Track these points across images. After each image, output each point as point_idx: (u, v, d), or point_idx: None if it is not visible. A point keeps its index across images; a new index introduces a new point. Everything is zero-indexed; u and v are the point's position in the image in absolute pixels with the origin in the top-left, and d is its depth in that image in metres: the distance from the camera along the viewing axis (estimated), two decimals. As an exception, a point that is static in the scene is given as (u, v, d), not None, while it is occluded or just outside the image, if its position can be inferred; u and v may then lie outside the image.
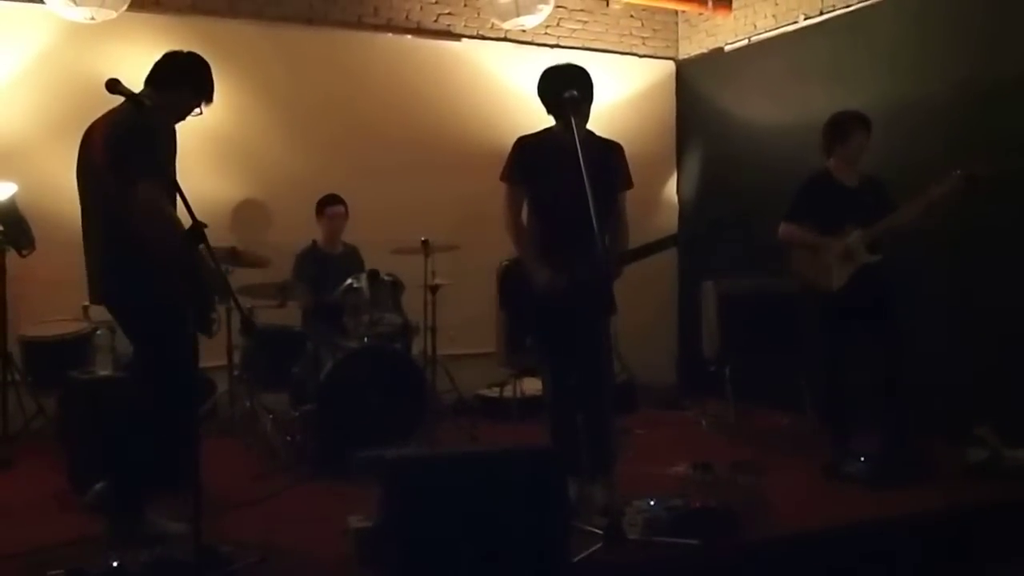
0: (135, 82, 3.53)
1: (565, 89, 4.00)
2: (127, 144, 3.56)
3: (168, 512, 3.79)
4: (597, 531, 3.65)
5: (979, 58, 5.64)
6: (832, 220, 4.92)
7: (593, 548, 3.56)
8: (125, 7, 5.58)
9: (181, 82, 3.85)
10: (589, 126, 4.19)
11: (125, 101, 3.49)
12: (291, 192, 6.63)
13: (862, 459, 4.79)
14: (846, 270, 4.89)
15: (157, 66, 3.86)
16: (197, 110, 3.90)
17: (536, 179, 4.19)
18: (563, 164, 3.86)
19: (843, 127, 4.97)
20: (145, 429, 3.69)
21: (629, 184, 4.30)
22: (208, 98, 3.91)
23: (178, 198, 3.27)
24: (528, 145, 4.26)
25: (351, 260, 6.14)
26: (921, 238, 5.02)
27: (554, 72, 4.18)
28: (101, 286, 3.76)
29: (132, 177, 3.49)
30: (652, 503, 3.82)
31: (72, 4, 5.36)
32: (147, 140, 3.55)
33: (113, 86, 3.34)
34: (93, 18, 5.53)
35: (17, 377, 5.66)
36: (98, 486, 4.11)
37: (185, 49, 3.94)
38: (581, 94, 4.01)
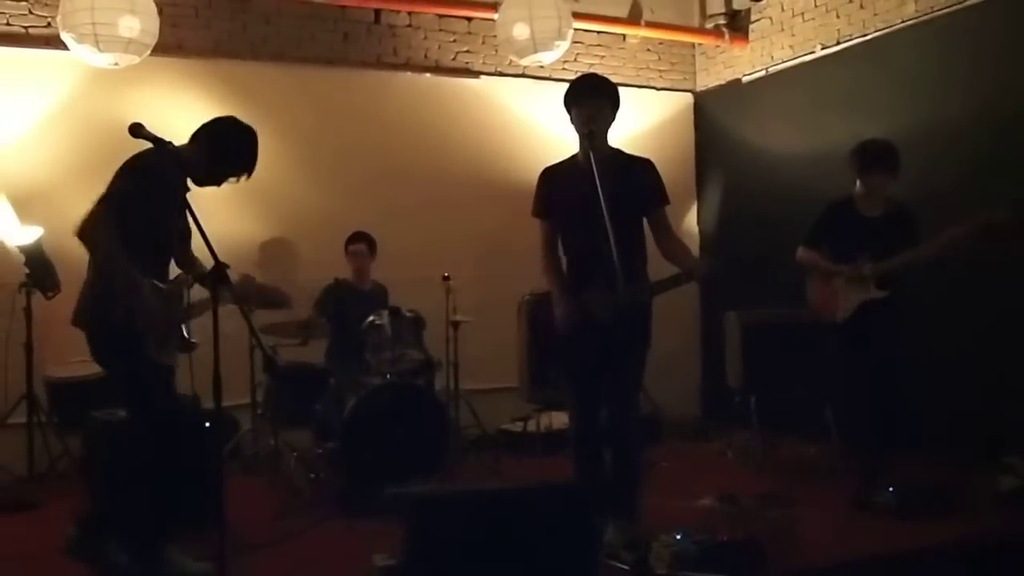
0: (159, 126, 3.57)
1: (576, 105, 4.03)
2: (122, 180, 3.64)
3: (193, 552, 3.79)
4: (624, 567, 3.63)
5: (998, 85, 5.64)
6: (847, 249, 4.90)
7: (620, 584, 3.53)
8: (148, 52, 5.66)
9: (214, 142, 3.89)
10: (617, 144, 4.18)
11: (151, 147, 3.55)
12: (315, 230, 6.68)
13: (890, 489, 4.73)
14: (852, 302, 4.87)
15: (206, 123, 3.92)
16: (234, 178, 3.94)
17: (561, 209, 4.16)
18: (585, 191, 3.85)
19: (864, 162, 4.94)
20: (150, 468, 3.70)
21: (665, 200, 4.16)
22: (247, 171, 3.94)
23: (203, 237, 3.30)
24: (551, 175, 4.24)
25: (377, 298, 6.17)
26: (946, 265, 4.98)
27: (570, 88, 4.14)
28: (79, 308, 3.81)
29: (103, 208, 3.56)
30: (679, 537, 3.77)
31: (96, 50, 5.44)
32: (144, 184, 3.61)
33: (136, 130, 3.39)
34: (117, 63, 5.61)
35: (43, 418, 5.69)
36: (71, 530, 4.03)
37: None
38: (594, 105, 4.01)
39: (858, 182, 4.96)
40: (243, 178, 3.95)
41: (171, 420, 3.73)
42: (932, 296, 5.02)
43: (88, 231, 3.57)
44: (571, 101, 4.09)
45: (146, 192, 3.61)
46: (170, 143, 3.62)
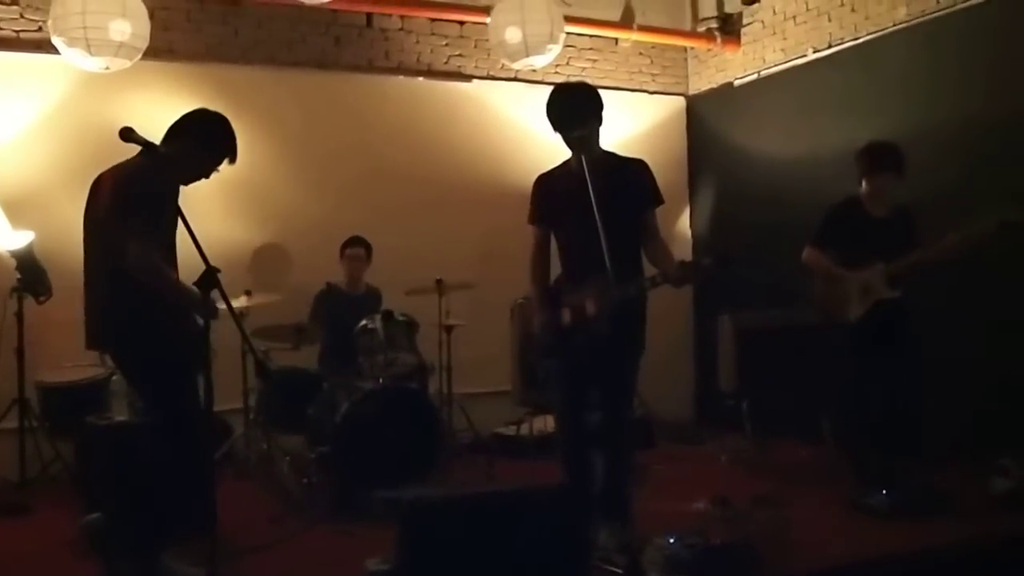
0: (149, 130, 3.57)
1: (560, 122, 4.01)
2: (132, 199, 3.61)
3: (185, 557, 3.78)
4: (617, 570, 3.62)
5: (989, 88, 5.66)
6: (855, 250, 4.90)
7: (613, 587, 3.53)
8: (139, 56, 5.65)
9: (192, 136, 3.86)
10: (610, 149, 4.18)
11: (138, 153, 3.54)
12: (308, 234, 6.67)
13: (884, 491, 4.74)
14: (864, 303, 4.87)
15: (177, 121, 3.90)
16: (217, 169, 3.93)
17: (556, 216, 4.17)
18: (578, 196, 3.84)
19: (870, 162, 4.95)
20: (160, 474, 3.69)
21: (659, 200, 4.15)
22: (229, 156, 3.93)
23: (184, 241, 3.30)
24: (545, 182, 4.24)
25: (370, 302, 6.17)
26: (942, 267, 4.99)
27: (550, 102, 4.08)
28: (102, 331, 3.79)
29: (129, 233, 3.53)
30: (672, 540, 3.77)
31: (87, 54, 5.42)
32: (150, 197, 3.60)
33: (127, 135, 3.38)
34: (108, 68, 5.59)
35: (35, 423, 5.67)
36: (92, 516, 4.06)
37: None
38: (579, 130, 3.99)
39: (864, 183, 4.96)
40: (225, 164, 3.93)
41: (195, 427, 3.71)
42: (926, 293, 5.00)
43: (140, 267, 3.54)
44: (557, 124, 4.03)
45: (156, 202, 3.60)
46: (160, 147, 3.61)
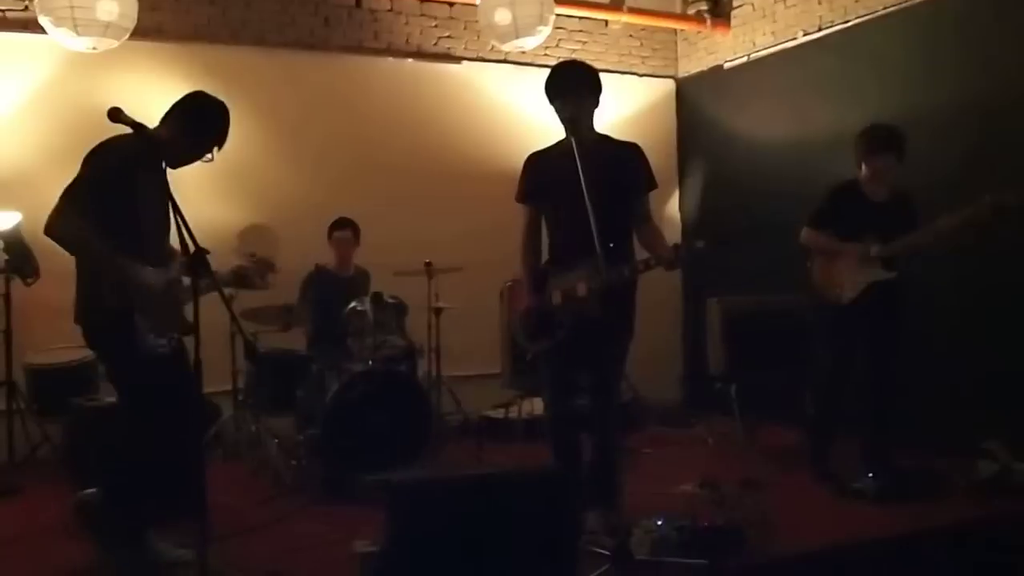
0: (137, 110, 3.54)
1: (557, 95, 4.02)
2: (86, 169, 3.61)
3: (174, 538, 3.78)
4: (605, 552, 3.64)
5: (982, 71, 5.64)
6: (853, 232, 4.90)
7: (601, 569, 3.55)
8: (127, 36, 5.60)
9: (186, 119, 3.85)
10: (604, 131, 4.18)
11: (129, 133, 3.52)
12: (295, 216, 6.64)
13: (870, 475, 4.77)
14: (860, 283, 4.87)
15: (177, 102, 3.88)
16: (209, 155, 3.91)
17: (546, 195, 4.16)
18: (570, 177, 3.82)
19: (870, 144, 4.95)
20: (144, 455, 3.68)
21: (652, 184, 4.17)
22: (219, 142, 3.91)
23: (178, 223, 3.28)
24: (537, 162, 4.23)
25: (360, 284, 6.16)
26: (936, 253, 5.01)
27: (549, 81, 4.11)
28: (75, 306, 3.78)
29: (61, 200, 3.52)
30: (660, 523, 3.80)
31: (74, 34, 5.38)
32: (106, 171, 3.57)
33: (115, 115, 3.35)
34: (95, 48, 5.55)
35: (23, 405, 5.67)
36: (87, 491, 4.06)
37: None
38: (575, 102, 4.00)
39: (864, 166, 4.96)
40: (215, 151, 3.91)
41: (167, 407, 3.69)
42: (913, 277, 5.01)
43: (54, 226, 3.52)
44: (553, 94, 4.07)
45: (113, 178, 3.57)
46: (148, 128, 3.59)
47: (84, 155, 3.67)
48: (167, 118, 3.83)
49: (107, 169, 3.58)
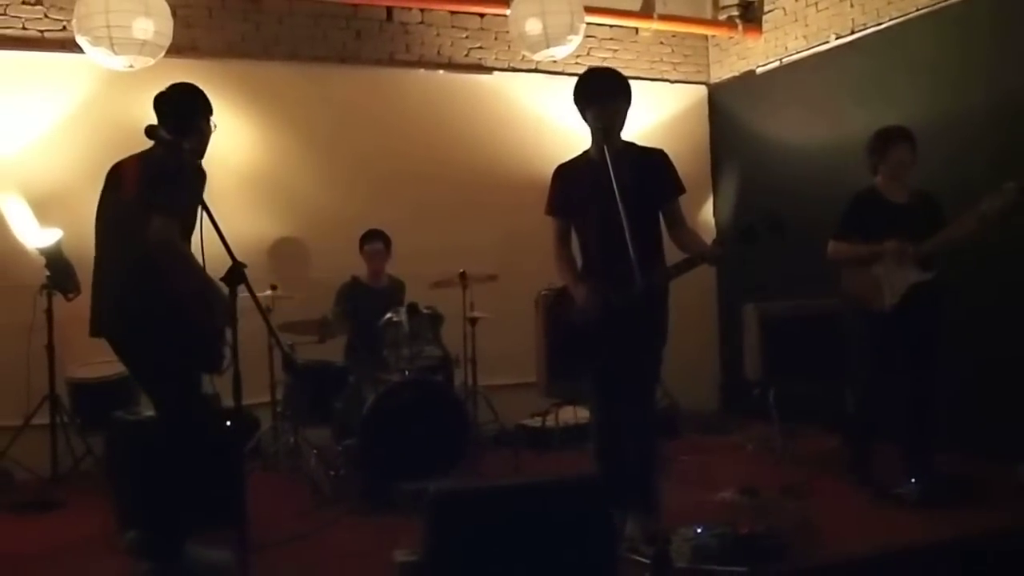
0: (174, 127, 3.60)
1: (588, 103, 4.00)
2: (158, 180, 3.63)
3: (215, 548, 3.81)
4: (644, 560, 3.63)
5: (1017, 71, 5.56)
6: (879, 238, 4.83)
7: (640, 577, 3.53)
8: (162, 54, 5.68)
9: (198, 117, 3.93)
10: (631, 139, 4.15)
11: (157, 144, 3.56)
12: (329, 228, 6.70)
13: (912, 480, 4.71)
14: (899, 287, 4.81)
15: (172, 111, 3.89)
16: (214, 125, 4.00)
17: (576, 206, 4.14)
18: (600, 187, 3.83)
19: (882, 143, 4.91)
20: (176, 467, 3.72)
21: (680, 189, 4.13)
22: (209, 111, 4.00)
23: (209, 237, 3.32)
24: (565, 173, 4.21)
25: (394, 294, 6.19)
26: (970, 252, 4.94)
27: (581, 83, 4.08)
28: (108, 319, 3.81)
29: (152, 212, 3.55)
30: (699, 530, 3.78)
31: (111, 53, 5.46)
32: (178, 179, 3.61)
33: (152, 132, 3.41)
34: (132, 66, 5.63)
35: (66, 419, 5.74)
36: (132, 533, 4.12)
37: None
38: (611, 111, 3.98)
39: (881, 167, 4.92)
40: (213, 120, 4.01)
41: (204, 420, 3.75)
42: (954, 280, 4.94)
43: (167, 243, 3.55)
44: (587, 101, 4.02)
45: (188, 195, 3.61)
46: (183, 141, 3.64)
47: (145, 164, 3.72)
48: (178, 121, 3.82)
49: (177, 177, 3.62)
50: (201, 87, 4.07)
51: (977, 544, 4.11)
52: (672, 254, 4.12)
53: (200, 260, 3.68)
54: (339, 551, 4.25)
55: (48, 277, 5.69)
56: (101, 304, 3.85)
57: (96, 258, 3.91)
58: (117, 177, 3.87)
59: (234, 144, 6.53)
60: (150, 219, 3.54)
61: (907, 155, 4.86)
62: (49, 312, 5.72)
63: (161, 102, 3.91)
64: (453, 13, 7.35)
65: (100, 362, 5.68)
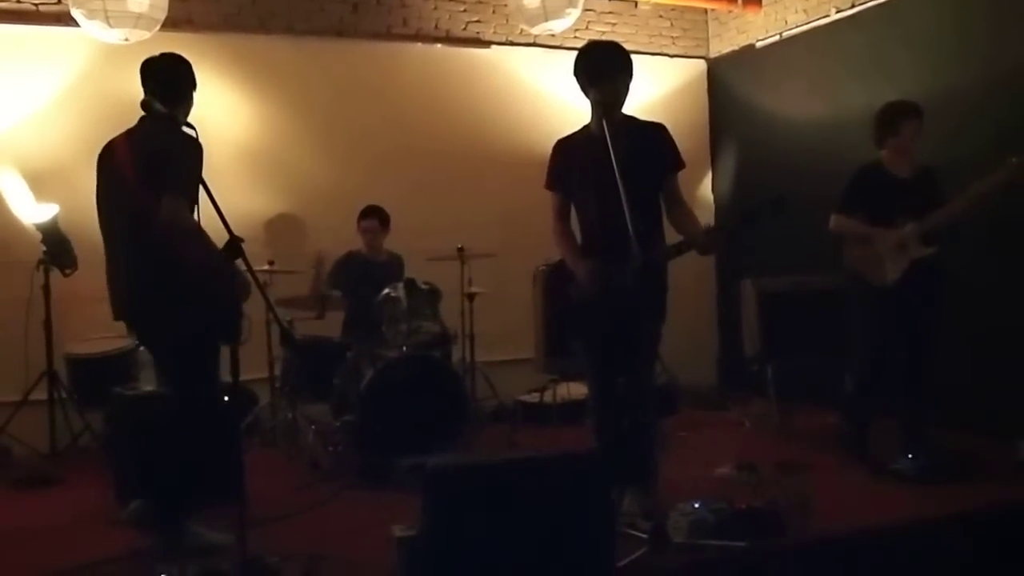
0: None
1: (590, 76, 3.95)
2: (164, 159, 3.60)
3: (214, 524, 3.82)
4: (642, 535, 3.63)
5: (1019, 47, 5.52)
6: (884, 212, 4.83)
7: (638, 552, 3.54)
8: (158, 27, 5.65)
9: (189, 88, 3.93)
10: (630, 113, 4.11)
11: (145, 117, 3.54)
12: (325, 203, 6.68)
13: (909, 456, 4.72)
14: (900, 263, 4.80)
15: (164, 81, 3.84)
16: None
17: (576, 181, 4.10)
18: (599, 161, 3.80)
19: (894, 117, 4.88)
20: (184, 443, 3.73)
21: (680, 164, 4.08)
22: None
23: (207, 212, 3.31)
24: (564, 148, 4.17)
25: (393, 269, 6.17)
26: (973, 230, 4.92)
27: (581, 64, 4.01)
28: (127, 302, 3.80)
29: (159, 191, 3.53)
30: (696, 505, 3.78)
31: (107, 26, 5.43)
32: (180, 155, 3.58)
33: (148, 106, 3.38)
34: (127, 39, 5.60)
35: (64, 395, 5.75)
36: (134, 504, 4.15)
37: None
38: (614, 85, 3.93)
39: (888, 143, 4.90)
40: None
41: (217, 396, 3.75)
42: (953, 258, 4.94)
43: (179, 220, 3.53)
44: (588, 77, 3.97)
45: (197, 170, 3.58)
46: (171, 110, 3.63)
47: (144, 143, 3.69)
48: (169, 99, 3.74)
49: (180, 153, 3.59)
50: (197, 61, 4.05)
51: (974, 520, 4.12)
52: (670, 235, 4.10)
53: None
54: (337, 527, 4.26)
55: (45, 253, 5.68)
56: (121, 293, 3.82)
57: (107, 250, 3.86)
58: (113, 159, 3.82)
59: (230, 119, 6.50)
60: (160, 199, 3.51)
61: (918, 130, 4.84)
62: (46, 288, 5.71)
63: (153, 71, 3.86)
64: (451, -14, 7.30)
65: (98, 338, 5.69)
